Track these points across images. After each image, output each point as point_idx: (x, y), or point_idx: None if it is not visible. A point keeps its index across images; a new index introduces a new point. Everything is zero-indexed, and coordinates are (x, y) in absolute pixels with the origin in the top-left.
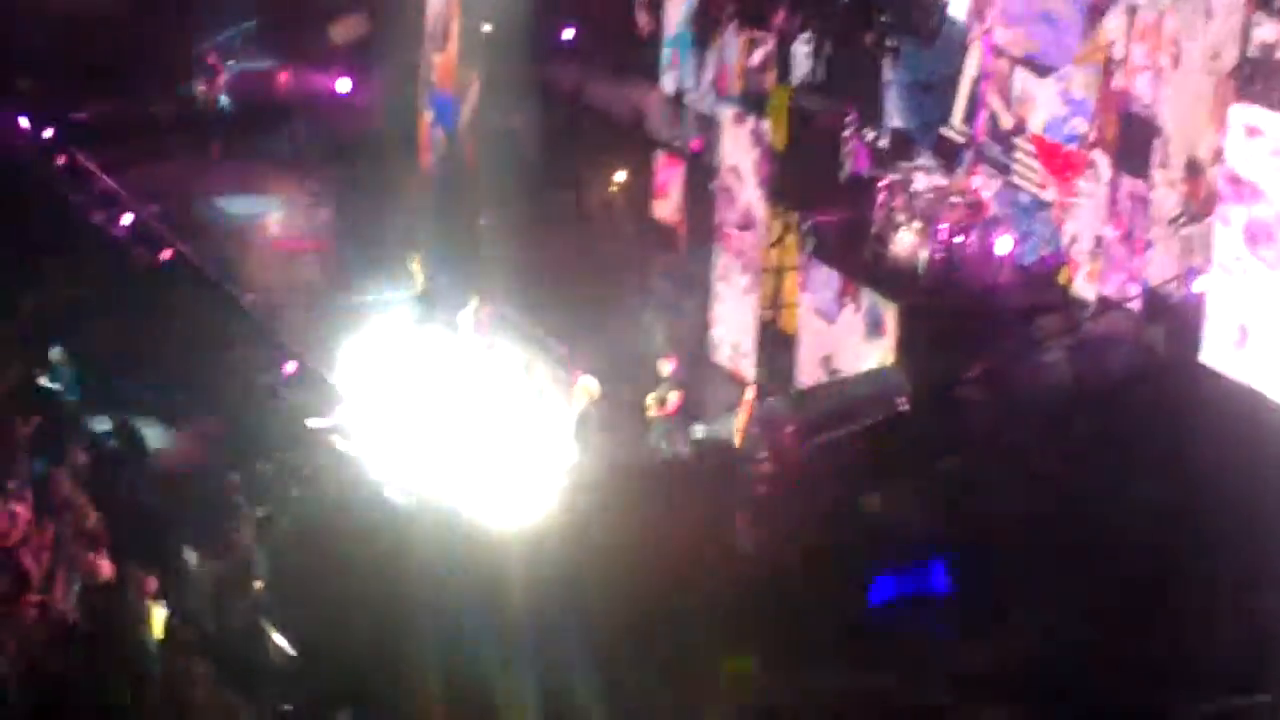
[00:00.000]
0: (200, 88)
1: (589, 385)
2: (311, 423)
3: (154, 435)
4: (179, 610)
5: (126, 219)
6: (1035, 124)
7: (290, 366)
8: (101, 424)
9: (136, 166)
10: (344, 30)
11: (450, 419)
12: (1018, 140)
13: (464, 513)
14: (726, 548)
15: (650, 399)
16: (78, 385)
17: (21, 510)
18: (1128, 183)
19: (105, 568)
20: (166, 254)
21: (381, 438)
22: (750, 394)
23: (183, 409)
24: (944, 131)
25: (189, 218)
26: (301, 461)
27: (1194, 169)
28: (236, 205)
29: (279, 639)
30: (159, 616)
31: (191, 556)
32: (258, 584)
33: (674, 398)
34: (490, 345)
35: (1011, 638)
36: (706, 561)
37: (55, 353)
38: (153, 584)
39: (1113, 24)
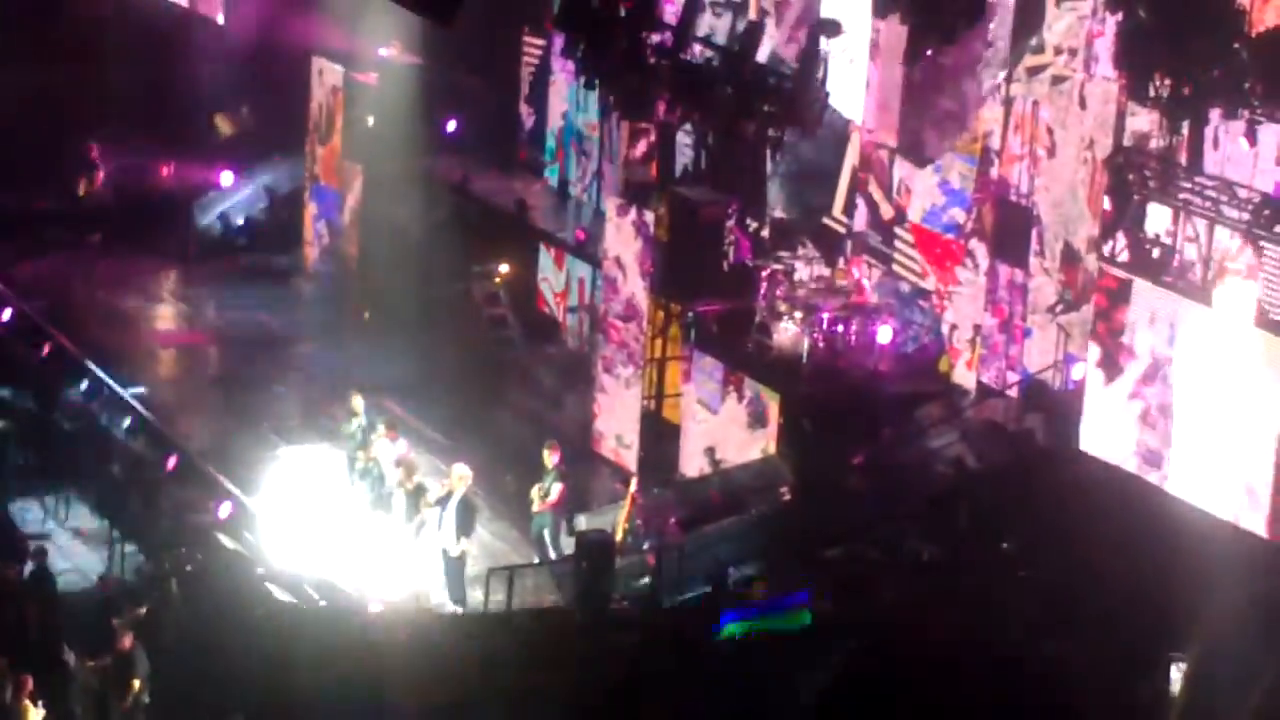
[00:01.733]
0: (81, 182)
1: (462, 472)
2: (195, 519)
3: (31, 527)
4: (58, 711)
5: (6, 314)
6: (914, 213)
7: (172, 461)
8: None
9: (19, 261)
10: (227, 123)
11: (337, 518)
12: (898, 230)
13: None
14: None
15: (534, 492)
16: None
17: None
18: (1006, 271)
19: None
20: (47, 348)
21: (270, 534)
22: (634, 485)
23: (62, 500)
24: (825, 221)
25: (72, 312)
26: (185, 559)
27: (1071, 257)
28: (121, 298)
29: None
30: (36, 717)
31: (71, 656)
32: (137, 683)
33: (556, 490)
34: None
35: None
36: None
37: None
38: (29, 683)
39: (989, 114)
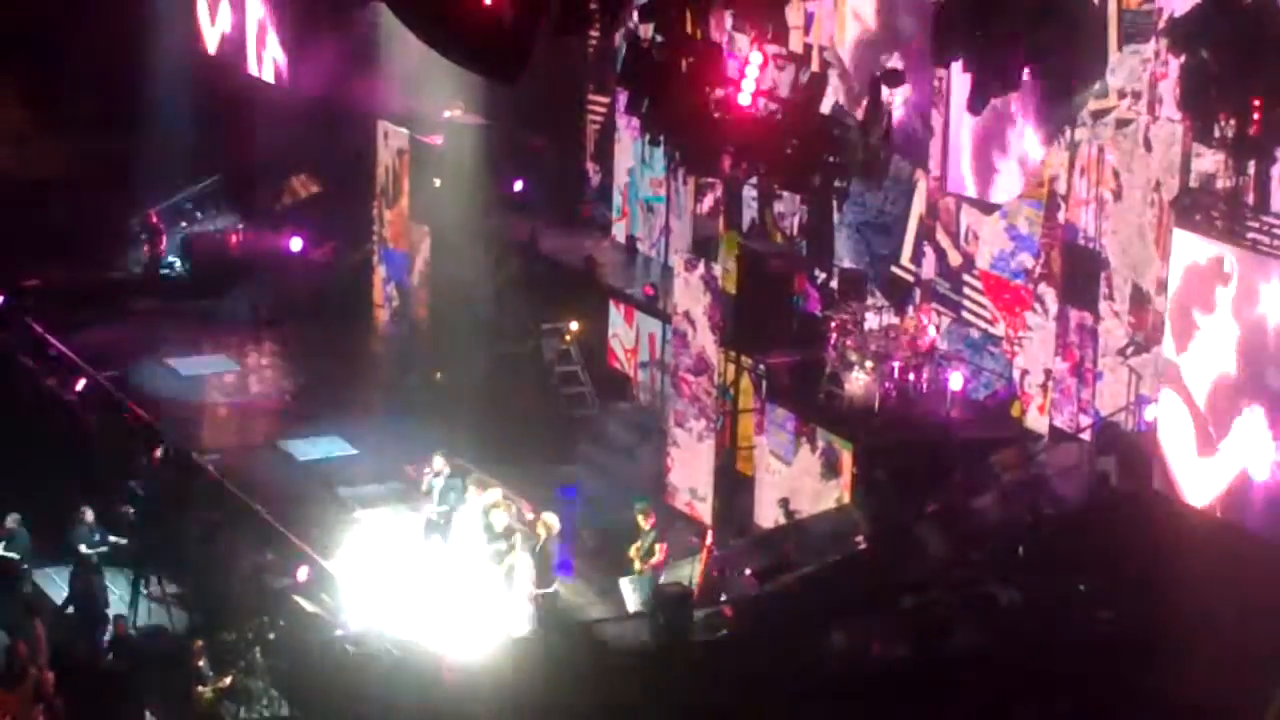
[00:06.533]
0: (144, 249)
1: (549, 520)
2: (275, 583)
3: (114, 595)
4: None
5: (80, 383)
6: (982, 260)
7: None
8: (58, 587)
9: (89, 330)
10: (295, 189)
11: (415, 578)
12: (966, 276)
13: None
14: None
15: (633, 551)
16: (31, 549)
17: None
18: (1075, 315)
19: None
20: (124, 415)
21: (349, 597)
22: (709, 538)
23: (142, 568)
24: (894, 270)
25: (143, 379)
26: (267, 626)
27: (1140, 299)
28: (192, 365)
29: None
30: None
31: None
32: None
33: (659, 551)
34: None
35: None
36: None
37: (10, 519)
38: None
39: (1054, 159)
